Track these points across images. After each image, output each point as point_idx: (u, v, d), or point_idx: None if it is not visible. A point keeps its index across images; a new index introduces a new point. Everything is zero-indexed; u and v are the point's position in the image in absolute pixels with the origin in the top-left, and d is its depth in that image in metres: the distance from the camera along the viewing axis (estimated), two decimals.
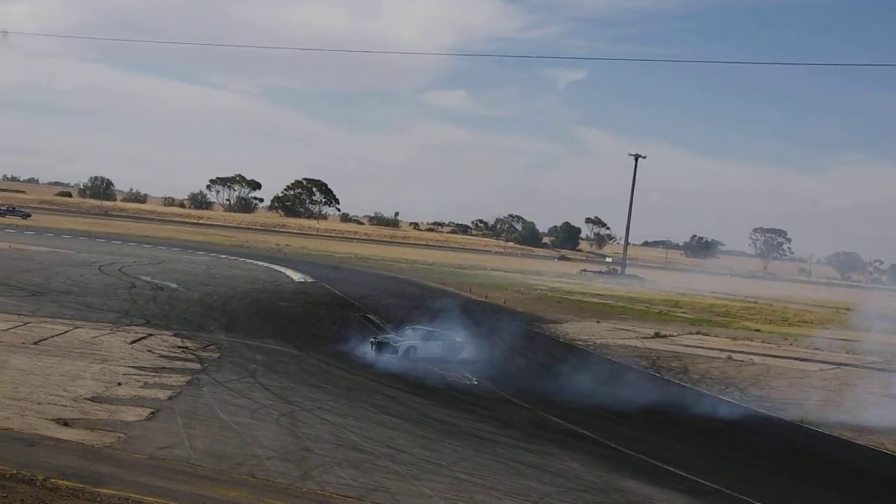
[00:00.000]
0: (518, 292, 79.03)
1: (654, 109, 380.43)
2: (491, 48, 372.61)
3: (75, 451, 17.34)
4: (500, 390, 32.71)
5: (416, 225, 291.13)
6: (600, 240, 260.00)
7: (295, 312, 48.43)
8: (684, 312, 72.92)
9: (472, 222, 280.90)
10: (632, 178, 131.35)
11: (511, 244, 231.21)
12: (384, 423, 24.18)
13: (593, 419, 29.62)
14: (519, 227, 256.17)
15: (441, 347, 38.33)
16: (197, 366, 28.61)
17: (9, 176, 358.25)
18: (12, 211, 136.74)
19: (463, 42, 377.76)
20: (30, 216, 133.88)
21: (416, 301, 61.57)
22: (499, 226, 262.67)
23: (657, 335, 53.88)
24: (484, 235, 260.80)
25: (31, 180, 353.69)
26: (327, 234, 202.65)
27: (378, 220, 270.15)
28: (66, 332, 32.10)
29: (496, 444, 23.77)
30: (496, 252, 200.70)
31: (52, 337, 30.57)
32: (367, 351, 37.16)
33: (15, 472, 14.78)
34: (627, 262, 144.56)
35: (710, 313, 73.50)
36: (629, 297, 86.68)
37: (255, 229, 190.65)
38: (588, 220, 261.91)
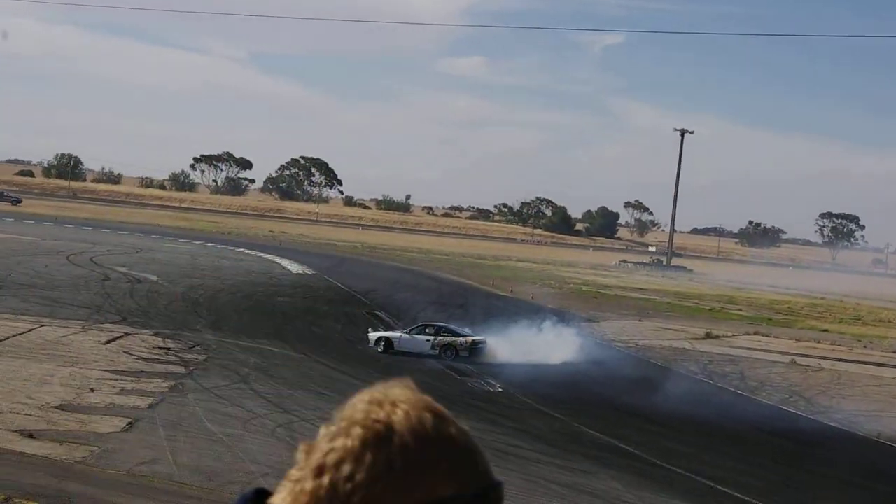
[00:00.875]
0: (548, 286, 78.96)
1: (705, 76, 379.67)
2: (512, 9, 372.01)
3: (42, 466, 17.38)
4: (527, 398, 32.65)
5: (430, 209, 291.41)
6: (642, 227, 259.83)
7: (293, 309, 48.52)
8: (740, 310, 72.73)
9: (495, 207, 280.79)
10: (678, 156, 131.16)
11: (539, 231, 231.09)
12: None
13: (635, 432, 29.52)
14: (548, 212, 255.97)
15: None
16: (181, 369, 28.67)
17: None
18: (0, 196, 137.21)
19: (481, 2, 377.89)
20: (20, 202, 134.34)
21: (431, 296, 61.59)
22: (525, 211, 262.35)
23: (709, 336, 53.72)
24: (508, 222, 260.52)
25: None
26: (329, 219, 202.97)
27: (387, 204, 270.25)
28: (31, 330, 32.22)
29: (525, 460, 23.71)
30: (522, 240, 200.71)
31: (13, 336, 30.68)
32: (378, 354, 37.23)
33: None
34: (673, 251, 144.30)
35: (769, 311, 73.28)
36: (676, 291, 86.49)
37: (245, 214, 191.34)
38: (628, 205, 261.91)
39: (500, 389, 33.68)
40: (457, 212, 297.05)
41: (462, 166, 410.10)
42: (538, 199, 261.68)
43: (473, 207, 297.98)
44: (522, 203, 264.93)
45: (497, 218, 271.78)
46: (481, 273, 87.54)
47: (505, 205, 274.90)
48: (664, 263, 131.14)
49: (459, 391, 32.69)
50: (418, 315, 50.72)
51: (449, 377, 35.04)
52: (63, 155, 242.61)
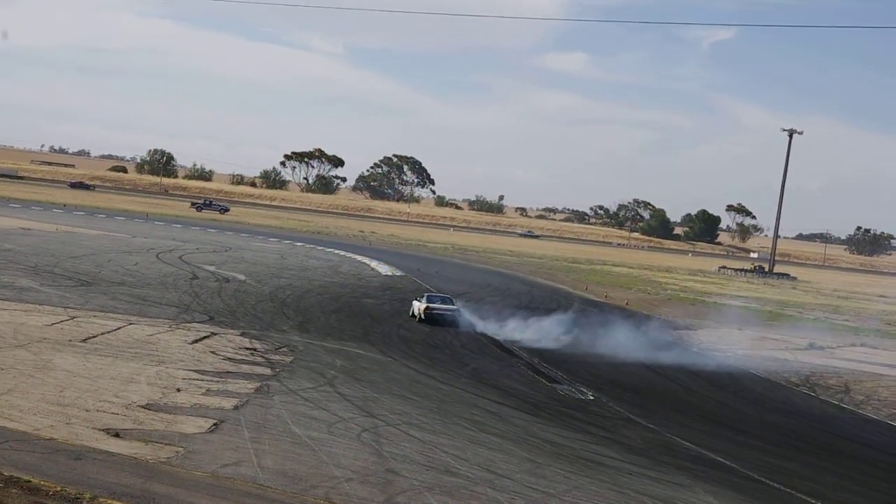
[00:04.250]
0: (644, 292, 78.35)
1: (817, 75, 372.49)
2: (617, 4, 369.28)
3: (127, 466, 17.70)
4: (619, 407, 32.43)
5: (523, 211, 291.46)
6: (744, 231, 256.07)
7: (380, 311, 48.84)
8: (846, 320, 71.34)
9: (591, 209, 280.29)
10: (784, 158, 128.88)
11: (636, 235, 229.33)
12: (483, 442, 24.17)
13: (731, 445, 29.18)
14: (646, 214, 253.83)
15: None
16: (267, 371, 29.01)
17: (56, 147, 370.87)
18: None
19: None
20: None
21: (522, 300, 61.53)
22: (622, 213, 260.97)
23: (812, 346, 52.84)
24: (604, 224, 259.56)
25: (82, 153, 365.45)
26: (420, 219, 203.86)
27: (479, 205, 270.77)
28: (119, 328, 32.87)
29: (616, 470, 23.55)
30: (618, 244, 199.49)
31: (102, 334, 31.34)
32: (467, 359, 37.30)
33: (59, 489, 15.16)
34: (777, 258, 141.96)
35: (878, 322, 71.70)
36: (778, 300, 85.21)
37: (336, 213, 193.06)
38: (730, 208, 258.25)
39: (591, 397, 33.50)
40: (551, 213, 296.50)
41: (559, 166, 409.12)
42: (636, 201, 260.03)
43: (568, 209, 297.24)
44: (619, 205, 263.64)
45: (593, 220, 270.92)
46: (574, 277, 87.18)
47: (601, 207, 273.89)
48: (766, 270, 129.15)
49: (549, 398, 32.61)
50: (507, 320, 50.65)
51: (539, 384, 34.98)
52: (156, 151, 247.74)
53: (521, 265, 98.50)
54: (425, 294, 50.45)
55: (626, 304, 68.15)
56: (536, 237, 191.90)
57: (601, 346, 45.56)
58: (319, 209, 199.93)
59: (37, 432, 18.91)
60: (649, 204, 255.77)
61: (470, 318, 48.31)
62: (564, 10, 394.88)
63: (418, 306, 47.82)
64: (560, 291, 74.45)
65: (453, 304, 48.59)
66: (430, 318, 46.75)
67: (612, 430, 28.92)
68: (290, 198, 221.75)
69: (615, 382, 37.49)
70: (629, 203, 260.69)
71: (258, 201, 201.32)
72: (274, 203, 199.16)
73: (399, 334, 41.97)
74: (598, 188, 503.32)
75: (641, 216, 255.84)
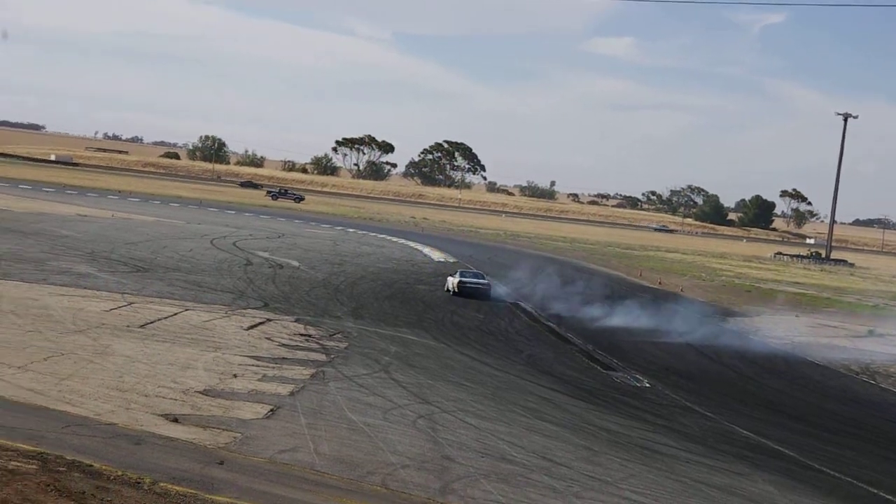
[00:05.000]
0: (698, 278, 77.85)
1: (873, 58, 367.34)
2: None
3: (186, 451, 17.87)
4: (675, 395, 32.26)
5: (575, 197, 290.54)
6: (799, 217, 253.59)
7: (434, 297, 48.90)
8: None
9: (643, 194, 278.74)
10: (840, 142, 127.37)
11: (689, 221, 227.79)
12: (538, 430, 24.15)
13: (790, 433, 28.96)
14: (699, 200, 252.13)
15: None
16: (322, 357, 29.15)
17: (109, 134, 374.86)
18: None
19: None
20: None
21: (576, 286, 61.27)
22: (675, 199, 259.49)
23: (871, 333, 52.22)
24: (657, 210, 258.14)
25: (135, 139, 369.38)
26: (471, 206, 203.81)
27: (531, 191, 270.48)
28: (175, 314, 33.18)
29: (673, 459, 23.44)
30: (671, 230, 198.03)
31: (159, 320, 31.65)
32: (521, 345, 37.32)
33: (120, 473, 15.31)
34: (833, 244, 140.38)
35: None
36: (836, 286, 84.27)
37: (387, 199, 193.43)
38: (784, 194, 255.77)
39: (647, 385, 33.34)
40: (603, 199, 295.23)
41: (610, 152, 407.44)
42: (689, 187, 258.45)
43: (620, 195, 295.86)
44: (672, 191, 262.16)
45: (645, 206, 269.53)
46: (628, 263, 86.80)
47: (654, 192, 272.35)
48: (823, 256, 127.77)
49: (605, 385, 32.52)
50: (561, 307, 50.62)
51: (594, 371, 34.89)
52: (208, 137, 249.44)
53: (573, 251, 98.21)
54: (458, 270, 54.36)
55: (681, 290, 67.75)
56: (671, 231, 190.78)
57: (656, 333, 45.36)
58: (371, 195, 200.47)
59: (98, 417, 19.15)
60: (702, 189, 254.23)
61: (524, 302, 48.43)
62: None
63: (452, 281, 51.34)
64: (613, 277, 74.18)
65: (484, 279, 52.27)
66: (463, 290, 50.17)
67: (668, 417, 28.78)
68: (341, 184, 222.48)
69: (671, 369, 37.30)
70: (682, 189, 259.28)
71: (310, 188, 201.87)
72: (325, 189, 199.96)
73: (453, 320, 41.98)
74: (650, 174, 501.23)
75: (694, 202, 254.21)
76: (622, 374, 34.60)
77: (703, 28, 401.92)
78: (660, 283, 71.71)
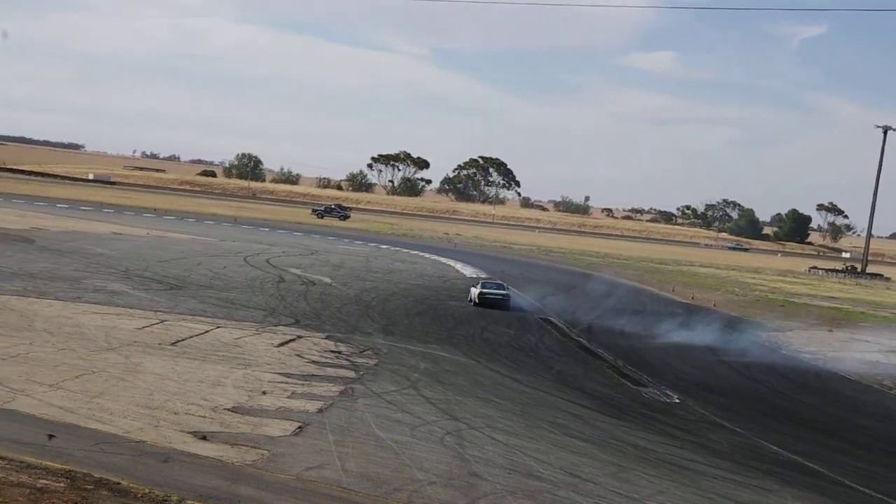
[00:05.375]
0: (732, 293, 77.42)
1: None
2: (705, 2, 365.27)
3: (214, 468, 18.01)
4: (704, 410, 32.10)
5: (609, 212, 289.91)
6: (835, 231, 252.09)
7: (465, 313, 48.91)
8: None
9: (678, 209, 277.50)
10: (879, 155, 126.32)
11: (724, 235, 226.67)
12: (566, 446, 24.12)
13: (821, 449, 28.73)
14: (734, 214, 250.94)
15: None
16: (351, 374, 29.26)
17: (147, 153, 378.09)
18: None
19: None
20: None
21: (607, 301, 61.15)
22: (710, 213, 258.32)
23: None
24: (691, 225, 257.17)
25: (172, 157, 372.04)
26: (505, 221, 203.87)
27: (565, 206, 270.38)
28: (207, 331, 33.42)
29: (701, 475, 23.34)
30: (706, 245, 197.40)
31: (190, 337, 31.89)
32: (551, 362, 37.27)
33: (147, 491, 15.48)
34: (870, 258, 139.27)
35: None
36: (871, 300, 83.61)
37: (421, 215, 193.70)
38: (821, 208, 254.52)
39: (677, 400, 33.20)
40: (637, 214, 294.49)
41: (645, 166, 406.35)
42: (724, 201, 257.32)
43: (655, 210, 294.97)
44: (707, 205, 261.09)
45: (680, 221, 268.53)
46: (661, 279, 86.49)
47: (688, 207, 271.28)
48: (859, 270, 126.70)
49: (634, 401, 32.40)
50: (592, 322, 50.56)
51: (624, 387, 34.77)
52: (244, 155, 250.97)
53: (607, 266, 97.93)
54: (480, 281, 56.68)
55: (714, 305, 67.41)
56: (745, 251, 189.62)
57: (687, 348, 45.20)
58: (405, 212, 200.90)
59: (126, 435, 19.33)
60: (738, 203, 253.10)
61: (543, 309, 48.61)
62: (651, 7, 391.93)
63: (474, 292, 53.33)
64: (645, 292, 73.92)
65: (504, 290, 53.91)
66: (484, 300, 52.11)
67: (697, 433, 28.65)
68: (375, 200, 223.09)
69: (701, 384, 37.12)
70: (717, 203, 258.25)
71: (344, 204, 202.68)
72: (360, 206, 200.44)
73: (483, 336, 41.99)
74: (685, 188, 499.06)
75: (729, 216, 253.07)
76: (652, 390, 34.46)
77: (743, 41, 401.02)
78: (692, 298, 71.39)
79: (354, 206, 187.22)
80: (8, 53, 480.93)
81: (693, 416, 31.11)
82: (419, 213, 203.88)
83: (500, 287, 54.49)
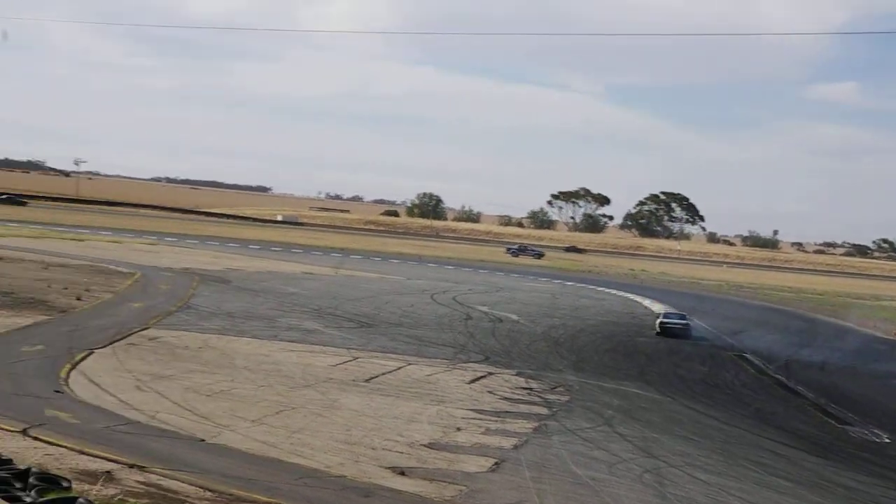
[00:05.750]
0: None
1: None
2: (892, 26, 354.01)
3: (413, 503, 18.11)
4: None
5: (799, 246, 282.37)
6: None
7: (655, 349, 48.17)
8: None
9: (874, 242, 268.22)
10: None
11: None
12: (771, 485, 23.35)
13: None
14: None
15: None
16: (544, 410, 29.08)
17: (331, 194, 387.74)
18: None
19: (857, 19, 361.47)
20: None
21: (804, 338, 59.40)
22: None
23: None
24: (889, 258, 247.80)
25: (356, 198, 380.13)
26: (690, 257, 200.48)
27: (752, 241, 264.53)
28: (399, 368, 33.77)
29: None
30: None
31: (383, 374, 32.27)
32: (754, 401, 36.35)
33: None
34: None
35: None
36: None
37: (604, 252, 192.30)
38: None
39: (887, 440, 31.82)
40: (830, 248, 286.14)
41: (835, 198, 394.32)
42: None
43: (848, 243, 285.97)
44: None
45: (876, 254, 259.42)
46: (859, 314, 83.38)
47: (885, 240, 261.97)
48: None
49: (841, 440, 31.23)
50: (789, 359, 49.12)
51: (828, 425, 33.57)
52: (425, 194, 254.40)
53: (800, 302, 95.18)
54: (663, 312, 60.22)
55: None
56: None
57: (892, 386, 43.41)
58: (588, 248, 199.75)
59: (328, 469, 19.61)
60: None
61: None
62: (835, 35, 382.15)
63: (657, 322, 56.25)
64: (843, 328, 71.41)
65: (684, 319, 56.22)
66: (664, 329, 54.51)
67: None
68: (557, 237, 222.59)
69: None
70: None
71: (525, 241, 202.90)
72: (542, 243, 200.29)
73: (676, 373, 41.23)
74: (881, 221, 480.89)
75: None
76: (859, 429, 33.14)
77: None
78: (895, 333, 68.59)
79: (536, 243, 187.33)
80: (196, 102, 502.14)
81: None
82: (603, 249, 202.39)
83: (681, 317, 56.59)
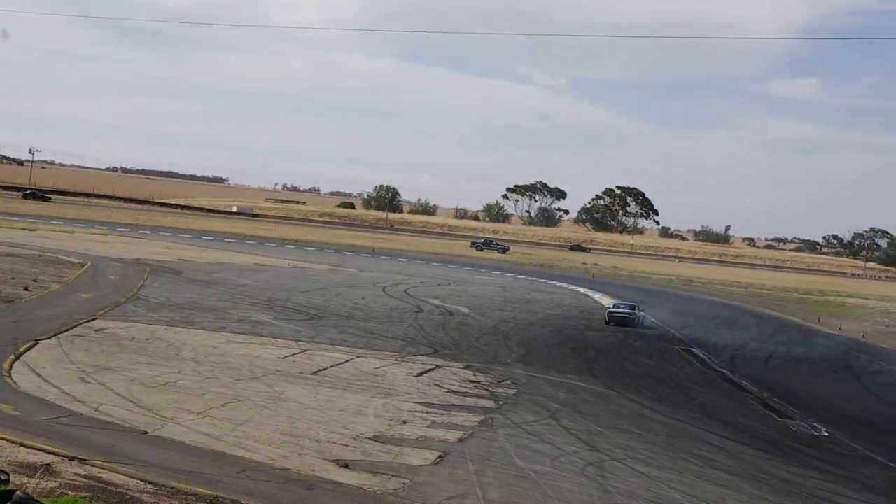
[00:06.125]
0: (881, 324, 75.06)
1: None
2: (856, 25, 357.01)
3: (356, 497, 18.13)
4: (856, 444, 31.12)
5: (750, 241, 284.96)
6: None
7: (603, 343, 48.51)
8: None
9: (823, 238, 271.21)
10: None
11: (872, 265, 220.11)
12: (711, 478, 23.63)
13: None
14: (883, 243, 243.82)
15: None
16: (490, 403, 29.21)
17: (288, 185, 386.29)
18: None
19: (819, 18, 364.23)
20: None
21: (750, 332, 59.96)
22: (857, 242, 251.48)
23: None
24: (837, 254, 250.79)
25: (312, 190, 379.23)
26: (643, 251, 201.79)
27: (705, 236, 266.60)
28: (347, 361, 33.78)
29: None
30: (852, 275, 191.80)
31: (331, 367, 32.27)
32: (693, 390, 36.68)
33: None
34: None
35: None
36: None
37: (558, 246, 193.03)
38: None
39: (825, 433, 32.28)
40: (780, 243, 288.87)
41: (787, 195, 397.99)
42: (871, 230, 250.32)
43: (798, 239, 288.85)
44: (854, 234, 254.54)
45: (825, 250, 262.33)
46: (806, 309, 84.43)
47: (834, 236, 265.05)
48: None
49: (781, 434, 31.63)
50: (735, 354, 49.61)
51: (770, 419, 33.99)
52: (382, 187, 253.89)
53: (749, 297, 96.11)
54: (613, 302, 62.57)
55: (862, 336, 65.49)
56: None
57: (834, 380, 43.97)
58: (542, 242, 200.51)
59: (271, 462, 19.60)
60: (887, 232, 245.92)
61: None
62: (797, 33, 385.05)
63: (607, 311, 58.81)
64: (790, 323, 72.22)
65: (632, 309, 58.30)
66: (612, 318, 56.93)
67: (848, 468, 27.80)
68: (512, 231, 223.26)
69: (851, 418, 36.06)
70: (864, 232, 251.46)
71: (481, 234, 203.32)
72: (497, 236, 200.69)
73: (623, 367, 41.55)
74: (830, 217, 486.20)
75: (878, 245, 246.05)
76: (799, 423, 33.59)
77: (892, 67, 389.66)
78: (839, 329, 69.45)
79: (491, 236, 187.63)
80: (155, 92, 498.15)
81: (843, 450, 30.24)
82: (556, 243, 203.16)
83: (630, 307, 58.70)
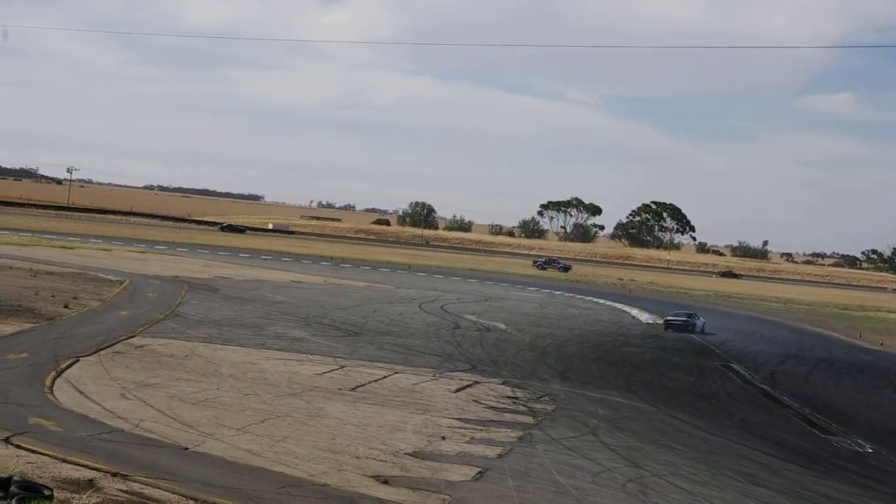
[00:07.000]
0: None
1: None
2: (891, 39, 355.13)
3: None
4: None
5: (789, 256, 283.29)
6: None
7: (642, 359, 48.26)
8: None
9: (863, 253, 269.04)
10: None
11: None
12: (753, 494, 23.40)
13: None
14: None
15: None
16: (529, 419, 29.11)
17: (324, 202, 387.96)
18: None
19: (853, 33, 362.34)
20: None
21: (790, 348, 59.49)
22: None
23: None
24: (877, 269, 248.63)
25: (348, 207, 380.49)
26: (680, 266, 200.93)
27: (742, 251, 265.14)
28: (385, 377, 33.79)
29: None
30: (893, 290, 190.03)
31: (369, 383, 32.29)
32: (732, 408, 36.38)
33: None
34: None
35: None
36: None
37: (594, 261, 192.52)
38: None
39: (870, 450, 31.91)
40: (819, 258, 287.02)
41: (826, 210, 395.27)
42: None
43: (838, 254, 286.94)
44: (894, 249, 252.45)
45: (865, 265, 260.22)
46: (846, 324, 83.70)
47: (874, 251, 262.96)
48: None
49: (824, 450, 31.29)
50: (775, 369, 49.21)
51: (812, 435, 33.64)
52: (417, 203, 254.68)
53: (788, 312, 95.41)
54: (672, 312, 67.64)
55: None
56: None
57: (878, 397, 43.50)
58: (578, 257, 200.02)
59: (311, 478, 19.60)
60: None
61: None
62: (832, 47, 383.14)
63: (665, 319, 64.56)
64: (831, 339, 71.60)
65: (688, 317, 64.18)
66: (669, 325, 62.47)
67: (894, 484, 27.43)
68: (548, 247, 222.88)
69: (895, 434, 35.60)
70: None
71: (517, 251, 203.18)
72: (532, 252, 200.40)
73: (662, 383, 41.28)
74: (870, 232, 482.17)
75: None
76: (842, 439, 33.21)
77: None
78: (881, 344, 68.78)
79: (527, 252, 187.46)
80: (192, 110, 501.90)
81: (889, 467, 29.85)
82: (592, 258, 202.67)
83: (687, 315, 64.56)
